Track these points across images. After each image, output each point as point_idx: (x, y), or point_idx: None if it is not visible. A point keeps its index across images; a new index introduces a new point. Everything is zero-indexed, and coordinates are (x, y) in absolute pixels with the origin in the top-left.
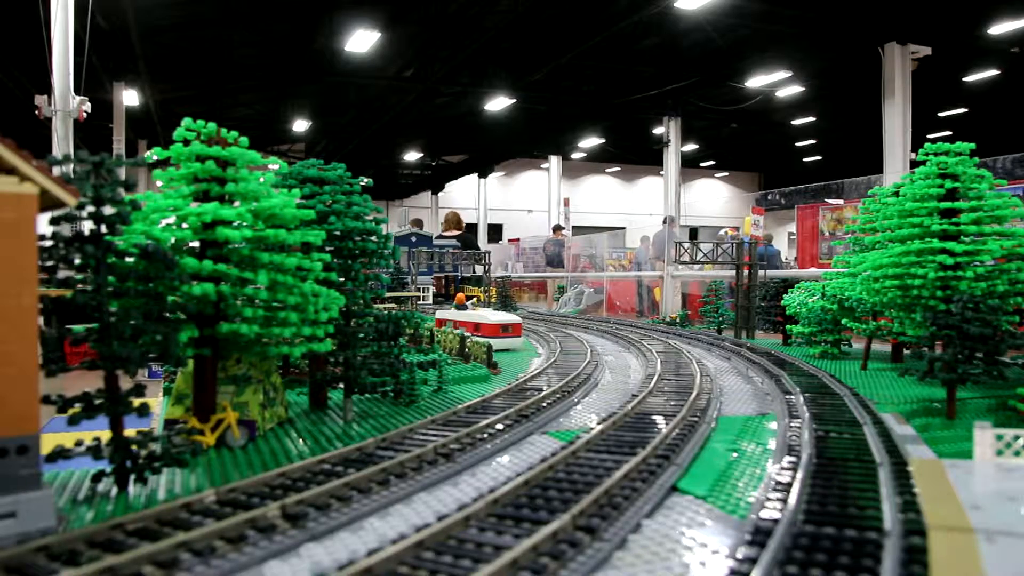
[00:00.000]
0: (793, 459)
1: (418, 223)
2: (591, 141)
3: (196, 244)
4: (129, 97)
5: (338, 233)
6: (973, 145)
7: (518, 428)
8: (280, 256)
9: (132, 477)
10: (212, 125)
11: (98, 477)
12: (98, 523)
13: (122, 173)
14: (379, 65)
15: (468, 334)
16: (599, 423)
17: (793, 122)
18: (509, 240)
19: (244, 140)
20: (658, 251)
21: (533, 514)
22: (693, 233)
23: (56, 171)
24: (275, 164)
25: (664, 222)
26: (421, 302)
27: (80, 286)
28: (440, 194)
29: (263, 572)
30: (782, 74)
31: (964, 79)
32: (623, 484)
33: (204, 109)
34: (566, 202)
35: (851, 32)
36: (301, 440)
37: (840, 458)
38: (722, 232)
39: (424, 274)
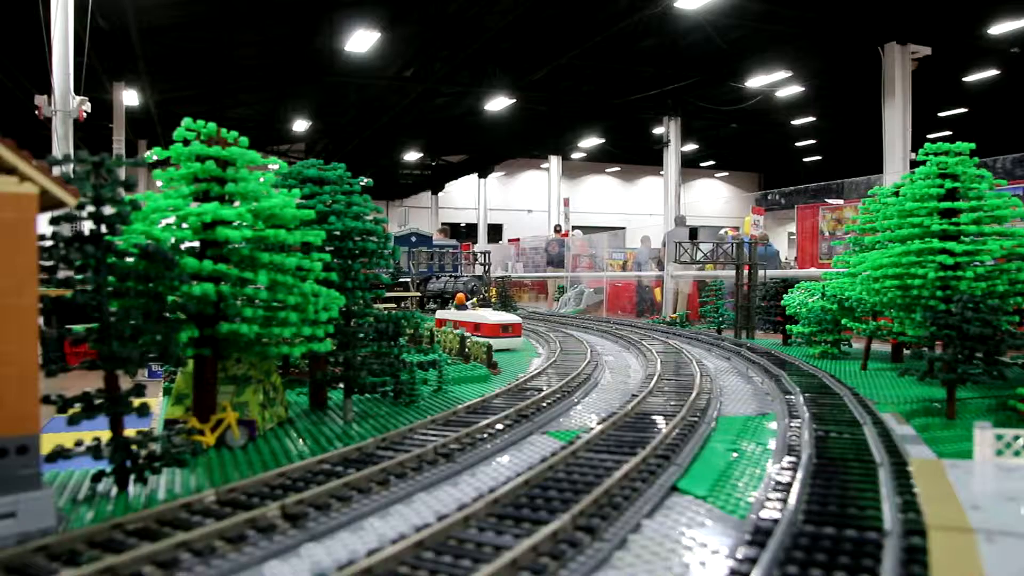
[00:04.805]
0: (793, 459)
1: (444, 231)
2: (591, 141)
3: (196, 244)
4: (129, 97)
5: (338, 233)
6: (973, 145)
7: (518, 428)
8: (280, 256)
9: (132, 477)
10: (212, 125)
11: (98, 477)
12: (98, 523)
13: (122, 173)
14: (379, 65)
15: (468, 334)
16: (599, 423)
17: (793, 122)
18: (509, 240)
19: (244, 140)
20: (671, 250)
21: (533, 514)
22: (693, 233)
23: (56, 171)
24: (275, 164)
25: (676, 223)
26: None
27: (80, 286)
28: (440, 194)
29: (263, 572)
30: (782, 74)
31: (964, 79)
32: (623, 484)
33: (204, 109)
34: (566, 202)
35: (851, 32)
36: (301, 440)
37: (840, 458)
38: (722, 232)
39: (424, 274)
